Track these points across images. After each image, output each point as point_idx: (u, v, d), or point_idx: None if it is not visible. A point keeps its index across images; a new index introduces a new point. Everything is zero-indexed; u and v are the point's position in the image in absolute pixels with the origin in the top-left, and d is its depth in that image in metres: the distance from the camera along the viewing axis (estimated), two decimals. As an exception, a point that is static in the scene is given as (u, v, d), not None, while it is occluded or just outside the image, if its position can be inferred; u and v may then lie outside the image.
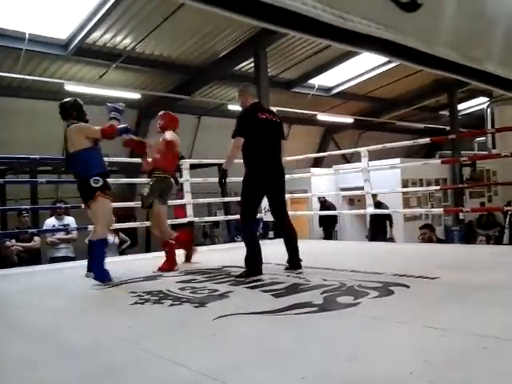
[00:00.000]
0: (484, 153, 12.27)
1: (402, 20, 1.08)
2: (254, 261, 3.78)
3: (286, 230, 4.04)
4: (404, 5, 1.06)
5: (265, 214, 7.22)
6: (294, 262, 3.92)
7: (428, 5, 1.09)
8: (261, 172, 3.90)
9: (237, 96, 4.24)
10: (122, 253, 7.53)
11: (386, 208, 9.49)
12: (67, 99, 4.24)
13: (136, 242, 8.22)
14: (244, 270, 3.76)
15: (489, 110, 12.50)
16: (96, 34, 8.78)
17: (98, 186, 3.93)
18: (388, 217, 9.87)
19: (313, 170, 12.32)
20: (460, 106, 16.16)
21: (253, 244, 3.85)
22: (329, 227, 10.07)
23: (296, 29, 1.11)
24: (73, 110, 4.14)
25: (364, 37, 1.08)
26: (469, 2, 1.30)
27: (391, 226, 9.85)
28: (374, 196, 9.48)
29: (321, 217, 9.99)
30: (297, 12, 0.97)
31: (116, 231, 7.39)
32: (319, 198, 9.99)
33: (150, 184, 4.54)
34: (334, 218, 9.97)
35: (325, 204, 10.02)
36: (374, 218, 9.80)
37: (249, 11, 0.99)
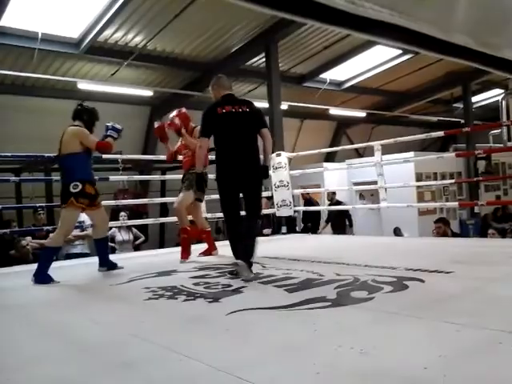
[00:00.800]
0: (499, 145, 12.06)
1: (417, 6, 1.05)
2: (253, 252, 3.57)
3: (245, 227, 3.73)
4: (418, -10, 1.04)
5: (277, 209, 7.21)
6: (239, 254, 3.58)
7: (443, -10, 1.06)
8: (223, 169, 3.75)
9: (210, 90, 4.05)
10: (136, 248, 7.60)
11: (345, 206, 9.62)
12: (88, 105, 4.30)
13: (147, 238, 8.29)
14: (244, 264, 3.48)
15: (504, 101, 12.26)
16: (107, 32, 8.81)
17: (74, 191, 3.96)
18: (347, 216, 9.83)
19: (325, 164, 12.25)
20: (474, 99, 15.91)
21: (254, 237, 3.64)
22: (313, 223, 10.15)
23: (307, 16, 1.09)
24: (84, 114, 4.19)
25: (377, 23, 1.05)
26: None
27: (351, 225, 9.79)
28: (333, 195, 9.54)
29: (305, 213, 10.07)
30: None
31: (129, 227, 7.46)
32: (303, 194, 9.93)
33: (191, 179, 4.75)
34: (318, 215, 10.09)
35: (311, 201, 10.00)
36: (333, 216, 9.82)
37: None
